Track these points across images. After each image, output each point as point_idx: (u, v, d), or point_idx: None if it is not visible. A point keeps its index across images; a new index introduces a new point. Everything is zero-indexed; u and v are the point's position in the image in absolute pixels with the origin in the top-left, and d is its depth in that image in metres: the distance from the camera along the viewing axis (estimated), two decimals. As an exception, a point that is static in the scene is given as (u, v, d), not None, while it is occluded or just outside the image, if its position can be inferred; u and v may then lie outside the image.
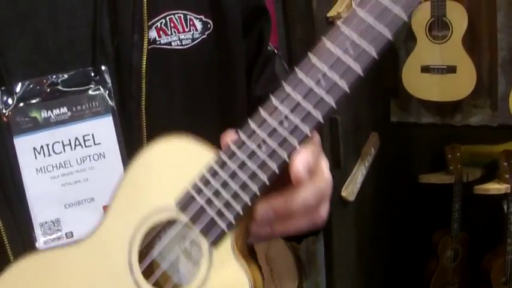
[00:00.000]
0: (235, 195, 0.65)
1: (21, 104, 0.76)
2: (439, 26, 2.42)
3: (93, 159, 0.78)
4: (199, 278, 0.66)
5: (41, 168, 0.76)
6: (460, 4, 2.41)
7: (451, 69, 2.44)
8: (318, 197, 0.67)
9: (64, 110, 0.77)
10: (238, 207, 0.65)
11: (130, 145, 0.78)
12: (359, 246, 2.51)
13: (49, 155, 0.77)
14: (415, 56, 2.49)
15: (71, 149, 0.77)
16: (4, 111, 0.76)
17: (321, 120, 0.64)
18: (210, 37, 0.84)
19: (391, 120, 2.73)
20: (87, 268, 0.69)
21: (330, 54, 0.65)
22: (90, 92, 0.78)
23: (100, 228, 0.70)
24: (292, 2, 2.16)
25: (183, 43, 0.82)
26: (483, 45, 2.48)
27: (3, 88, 0.76)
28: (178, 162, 0.69)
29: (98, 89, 0.78)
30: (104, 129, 0.78)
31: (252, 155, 0.65)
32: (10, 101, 0.76)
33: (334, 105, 0.64)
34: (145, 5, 0.79)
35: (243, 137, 0.66)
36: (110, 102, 0.78)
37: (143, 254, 0.69)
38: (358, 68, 0.64)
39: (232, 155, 0.66)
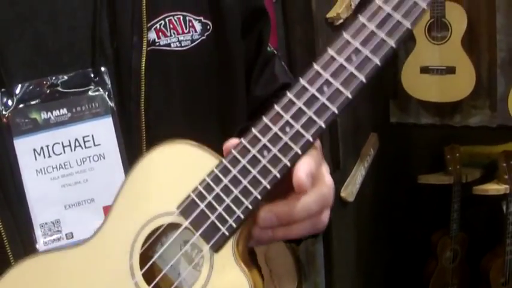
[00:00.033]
0: (236, 200, 0.65)
1: (21, 106, 0.76)
2: (438, 27, 2.42)
3: (93, 160, 0.78)
4: (200, 281, 0.66)
5: (41, 169, 0.77)
6: (459, 5, 2.41)
7: (450, 70, 2.44)
8: (321, 203, 0.68)
9: (64, 111, 0.77)
10: (239, 212, 0.65)
11: (130, 146, 0.79)
12: (358, 247, 2.51)
13: (49, 156, 0.77)
14: (415, 56, 2.49)
15: (71, 150, 0.77)
16: (4, 112, 0.76)
17: (324, 126, 0.65)
18: (209, 38, 0.84)
19: (391, 121, 2.73)
20: (88, 271, 0.69)
21: (333, 61, 0.65)
22: (89, 93, 0.78)
23: (101, 231, 0.70)
24: (291, 3, 2.16)
25: (182, 44, 0.82)
26: (482, 46, 2.48)
27: (3, 90, 0.76)
28: (179, 166, 0.69)
29: (98, 90, 0.78)
30: (103, 130, 0.78)
31: (253, 160, 0.65)
32: (10, 102, 0.76)
33: (337, 112, 0.64)
34: (144, 7, 0.79)
35: (245, 142, 0.66)
36: (109, 103, 0.78)
37: (144, 257, 0.69)
38: (361, 76, 0.64)
39: (233, 159, 0.66)
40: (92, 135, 0.78)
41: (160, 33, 0.81)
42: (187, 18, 0.83)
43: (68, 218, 0.77)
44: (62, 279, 0.70)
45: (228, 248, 0.66)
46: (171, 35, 0.81)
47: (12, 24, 0.77)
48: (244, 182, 0.65)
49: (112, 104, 0.78)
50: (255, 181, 0.65)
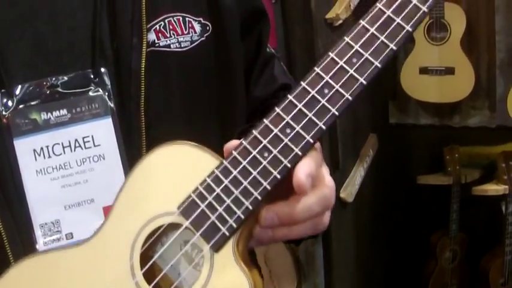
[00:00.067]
0: (237, 200, 0.66)
1: (21, 106, 0.76)
2: (437, 28, 2.42)
3: (93, 160, 0.78)
4: (200, 281, 0.66)
5: (41, 170, 0.77)
6: (458, 6, 2.41)
7: (450, 71, 2.44)
8: (322, 205, 0.68)
9: (64, 111, 0.77)
10: (239, 212, 0.65)
11: (130, 146, 0.79)
12: (358, 248, 2.51)
13: (49, 156, 0.77)
14: (414, 57, 2.49)
15: (71, 150, 0.77)
16: (4, 113, 0.76)
17: (324, 128, 0.65)
18: (208, 39, 0.84)
19: (390, 122, 2.73)
20: (88, 270, 0.69)
21: (334, 64, 0.65)
22: (89, 93, 0.78)
23: (101, 231, 0.70)
24: (291, 4, 2.16)
25: (182, 45, 0.82)
26: (481, 47, 2.49)
27: (3, 90, 0.76)
28: (180, 167, 0.69)
29: (98, 91, 0.78)
30: (103, 131, 0.78)
31: (253, 161, 0.66)
32: (10, 103, 0.76)
33: (337, 114, 0.65)
34: (144, 8, 0.80)
35: (245, 143, 0.66)
36: (109, 104, 0.78)
37: (145, 257, 0.69)
38: (361, 78, 0.64)
39: (234, 160, 0.66)
40: (92, 136, 0.78)
41: (160, 34, 0.81)
42: (186, 19, 0.83)
43: (68, 219, 0.78)
44: (62, 278, 0.70)
45: (228, 248, 0.66)
46: (170, 36, 0.82)
47: (12, 25, 0.77)
48: (245, 183, 0.65)
49: (112, 105, 0.79)
50: (256, 182, 0.65)
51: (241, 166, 0.66)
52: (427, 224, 2.64)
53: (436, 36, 2.43)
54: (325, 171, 0.70)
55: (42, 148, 0.77)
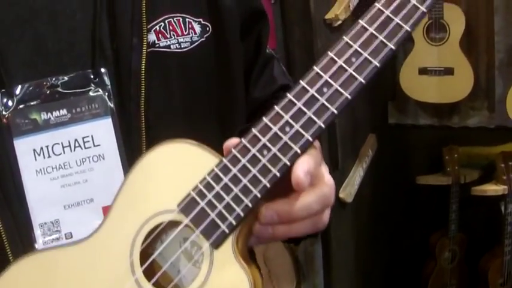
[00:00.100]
0: (236, 198, 0.66)
1: (21, 106, 0.77)
2: (436, 28, 2.43)
3: (93, 160, 0.78)
4: (199, 278, 0.67)
5: (40, 170, 0.77)
6: (457, 6, 2.41)
7: (449, 71, 2.45)
8: (322, 203, 0.68)
9: (64, 111, 0.78)
10: (239, 209, 0.66)
11: (130, 146, 0.79)
12: (357, 248, 2.51)
13: (49, 156, 0.77)
14: (413, 58, 2.49)
15: (71, 150, 0.78)
16: (4, 113, 0.76)
17: (323, 126, 0.65)
18: (208, 40, 0.85)
19: (389, 122, 2.74)
20: (88, 268, 0.70)
21: (333, 63, 0.66)
22: (89, 94, 0.78)
23: (101, 229, 0.70)
24: (290, 5, 2.16)
25: (182, 46, 0.83)
26: (480, 48, 2.49)
27: (3, 90, 0.76)
28: (179, 165, 0.69)
29: (98, 91, 0.78)
30: (103, 131, 0.78)
31: (253, 159, 0.66)
32: (10, 103, 0.76)
33: (337, 113, 0.65)
34: (144, 9, 0.80)
35: (245, 142, 0.67)
36: (109, 104, 0.79)
37: (144, 254, 0.69)
38: (360, 77, 0.65)
39: (233, 159, 0.67)
40: (92, 136, 0.78)
41: (160, 35, 0.81)
42: (186, 20, 0.83)
43: (68, 218, 0.78)
44: (62, 276, 0.70)
45: (228, 245, 0.66)
46: (170, 37, 0.82)
47: (12, 25, 0.77)
48: (244, 181, 0.66)
49: (112, 105, 0.79)
50: (255, 180, 0.66)
51: (241, 164, 0.66)
52: (426, 224, 2.64)
53: (435, 36, 2.44)
54: (325, 169, 0.71)
55: (42, 148, 0.77)
